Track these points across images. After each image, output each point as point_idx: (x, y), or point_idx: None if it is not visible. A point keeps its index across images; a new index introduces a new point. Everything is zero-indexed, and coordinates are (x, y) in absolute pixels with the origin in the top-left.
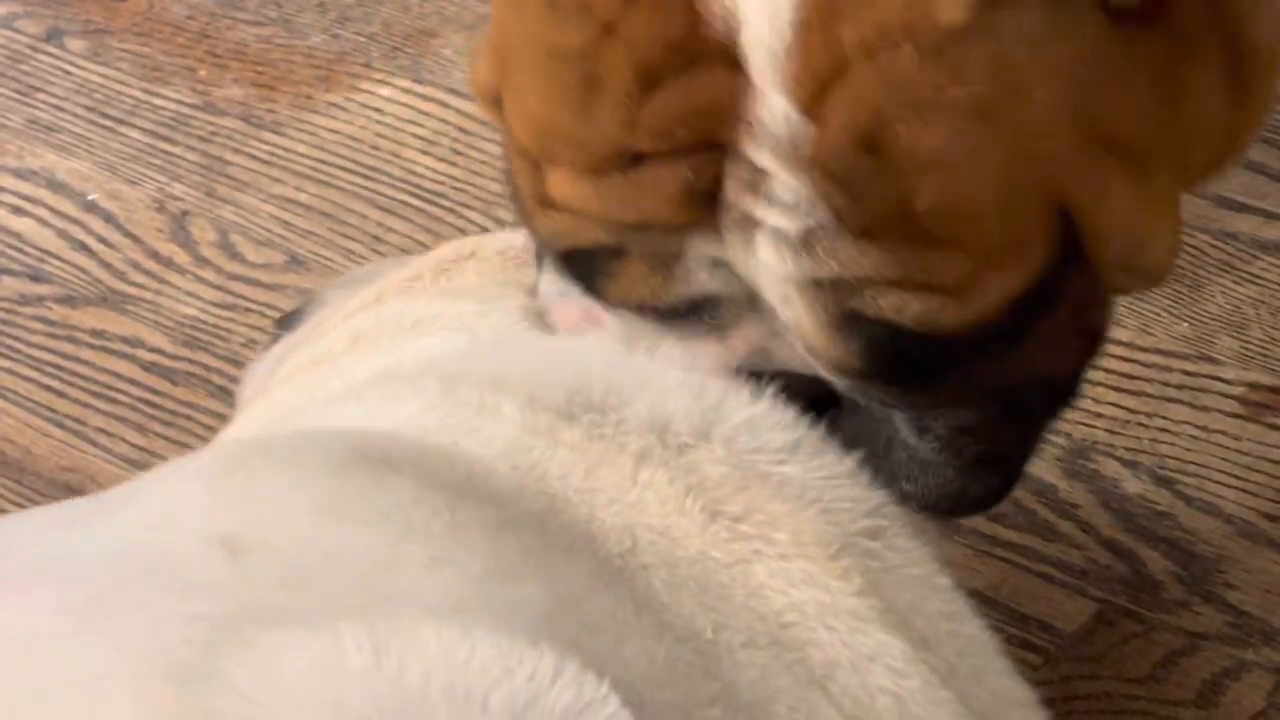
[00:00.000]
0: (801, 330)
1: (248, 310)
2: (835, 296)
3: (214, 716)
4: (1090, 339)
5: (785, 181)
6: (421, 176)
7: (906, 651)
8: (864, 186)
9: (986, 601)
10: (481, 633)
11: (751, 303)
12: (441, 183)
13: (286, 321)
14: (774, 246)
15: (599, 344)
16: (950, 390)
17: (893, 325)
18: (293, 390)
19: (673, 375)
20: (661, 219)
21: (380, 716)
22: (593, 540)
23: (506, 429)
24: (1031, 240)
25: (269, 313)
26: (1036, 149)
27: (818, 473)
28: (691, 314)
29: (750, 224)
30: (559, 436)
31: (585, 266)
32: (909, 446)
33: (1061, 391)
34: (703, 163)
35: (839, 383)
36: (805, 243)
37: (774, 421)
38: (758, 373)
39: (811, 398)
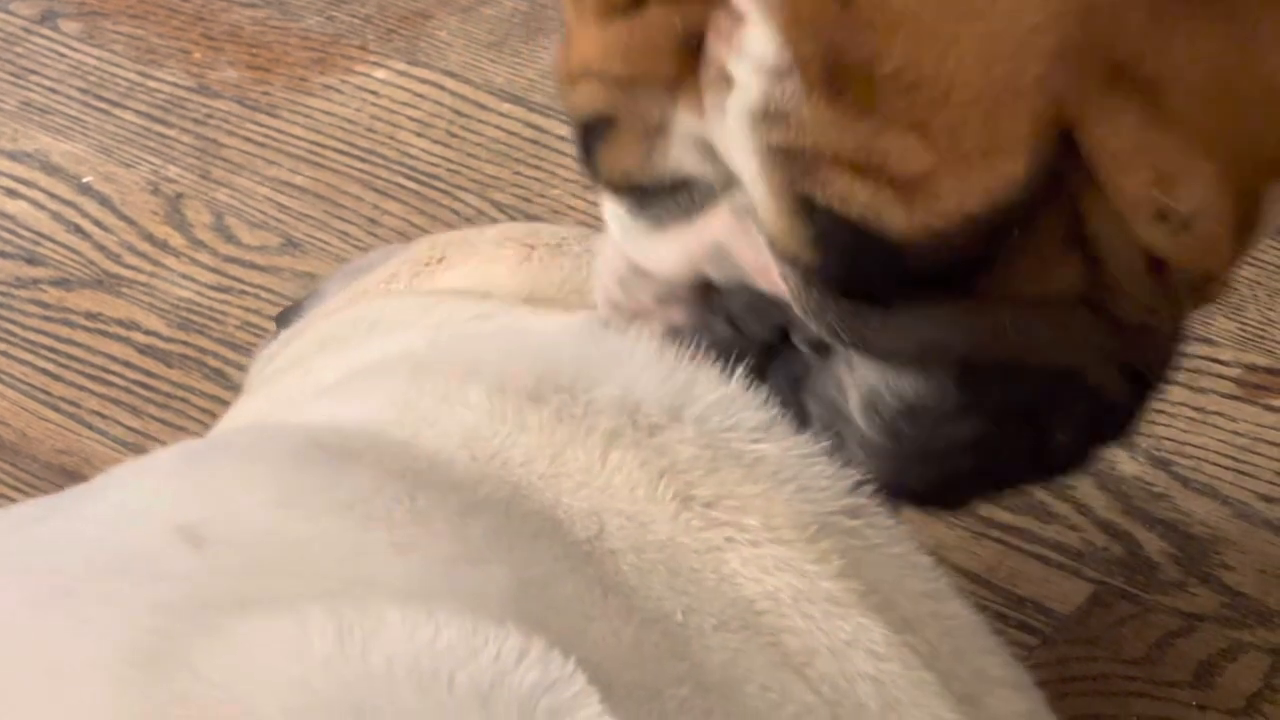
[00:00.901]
0: (762, 213)
1: (243, 293)
2: (792, 174)
3: (181, 702)
4: (1123, 333)
5: (758, 28)
6: (416, 159)
7: (887, 635)
8: (830, 37)
9: (983, 583)
10: (446, 614)
11: (726, 188)
12: (437, 165)
13: (285, 317)
14: (742, 107)
15: (568, 329)
16: (900, 331)
17: (839, 217)
18: (268, 394)
19: (643, 356)
20: (649, 72)
21: (346, 698)
22: (558, 526)
23: (467, 418)
24: (1008, 151)
25: (264, 295)
26: (1029, 43)
27: (794, 451)
28: (670, 198)
29: (726, 83)
30: (525, 420)
31: (590, 142)
32: (856, 426)
33: (1086, 395)
34: (691, 8)
35: (790, 290)
36: (768, 103)
37: (747, 400)
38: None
39: (747, 350)
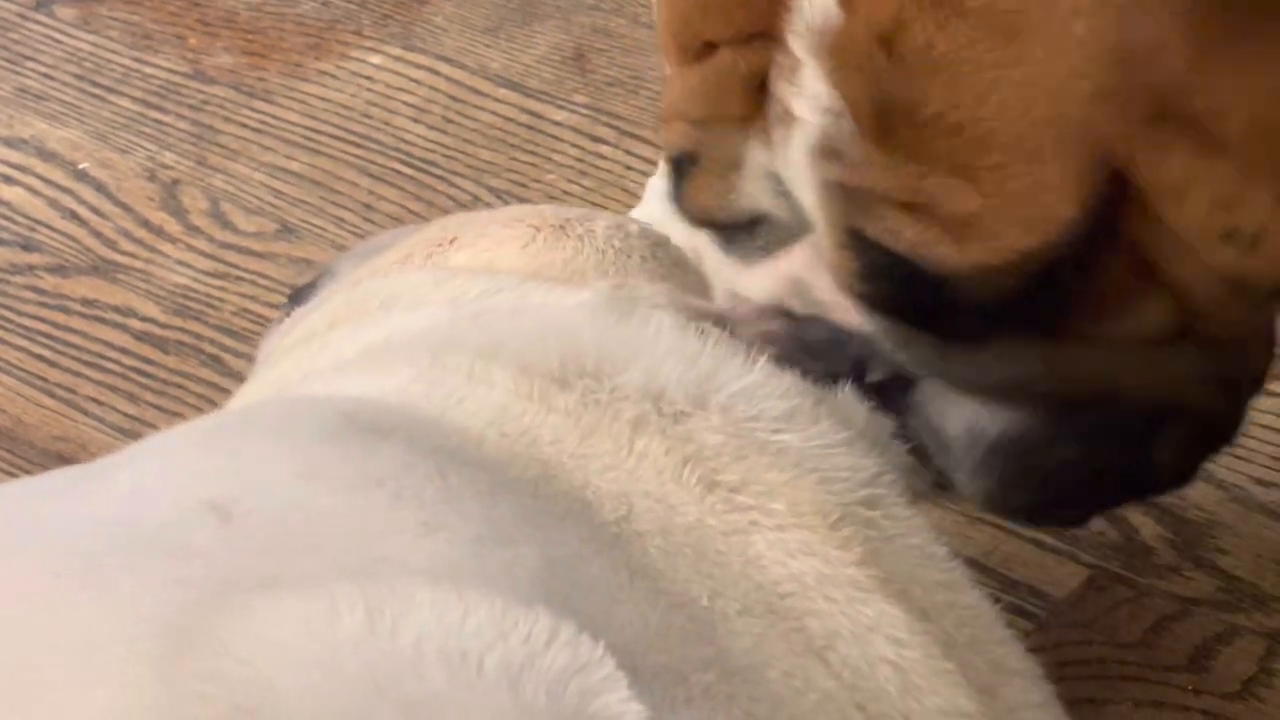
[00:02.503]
0: (823, 245)
1: (239, 279)
2: (847, 208)
3: (207, 679)
4: (1216, 352)
5: (813, 71)
6: (412, 144)
7: (908, 622)
8: (877, 81)
9: (978, 568)
10: (476, 595)
11: (803, 225)
12: (433, 151)
13: (298, 295)
14: (803, 144)
15: (588, 311)
16: (984, 368)
17: (887, 251)
18: (285, 366)
19: (665, 342)
20: (724, 112)
21: (374, 679)
22: (587, 507)
23: (495, 396)
24: (1057, 192)
25: (261, 281)
26: (1068, 87)
27: (815, 441)
28: (746, 233)
29: (790, 120)
30: (552, 402)
31: (679, 180)
32: (953, 454)
33: (1193, 414)
34: (756, 51)
35: (870, 323)
36: (825, 140)
37: (770, 389)
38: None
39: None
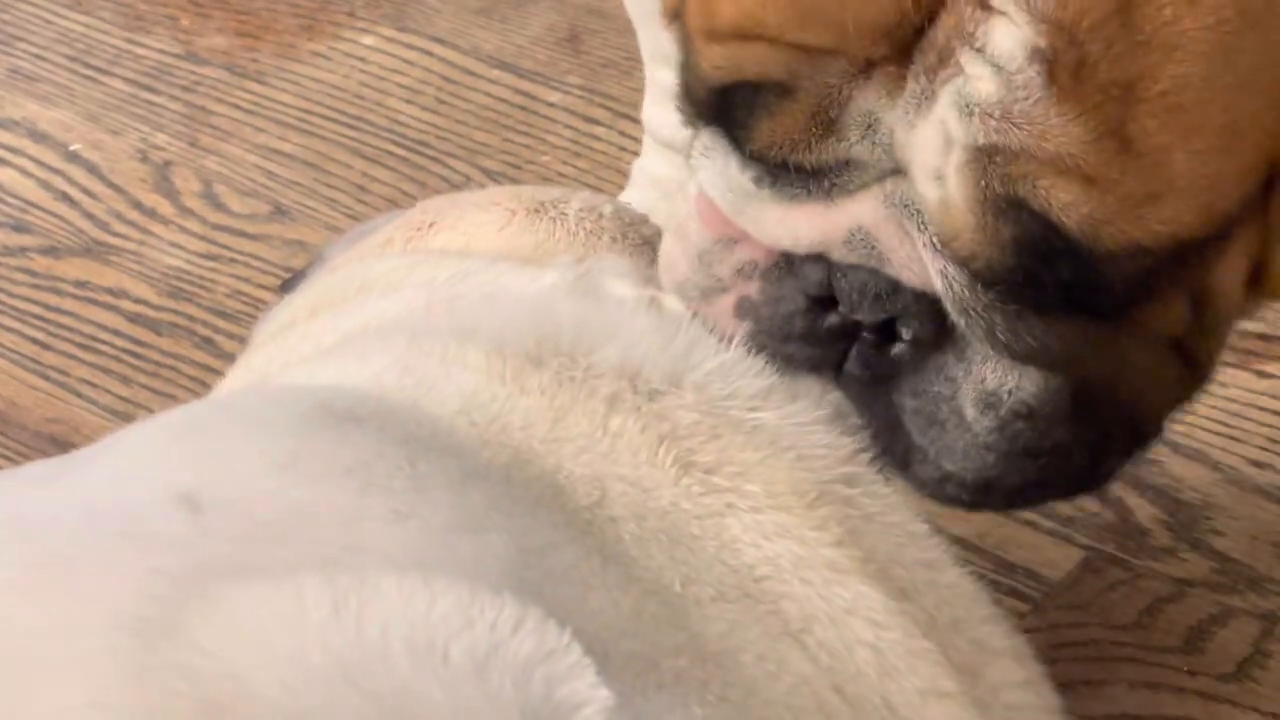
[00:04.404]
0: (948, 210)
1: (232, 260)
2: (1004, 175)
3: (175, 671)
4: (1188, 370)
5: (1014, 26)
6: (406, 126)
7: (886, 603)
8: (1102, 50)
9: (973, 550)
10: (442, 583)
11: (882, 175)
12: (426, 132)
13: (289, 283)
14: (958, 103)
15: (563, 291)
16: (1051, 341)
17: (1053, 226)
18: (266, 354)
19: (641, 322)
20: (858, 47)
21: (340, 669)
22: (560, 492)
23: (466, 382)
24: (1231, 185)
25: (253, 263)
26: (1276, 83)
27: (791, 419)
28: (812, 175)
29: (941, 74)
30: (525, 382)
31: (745, 103)
32: (965, 422)
33: (1140, 423)
34: None
35: (947, 287)
36: (1001, 102)
37: (745, 368)
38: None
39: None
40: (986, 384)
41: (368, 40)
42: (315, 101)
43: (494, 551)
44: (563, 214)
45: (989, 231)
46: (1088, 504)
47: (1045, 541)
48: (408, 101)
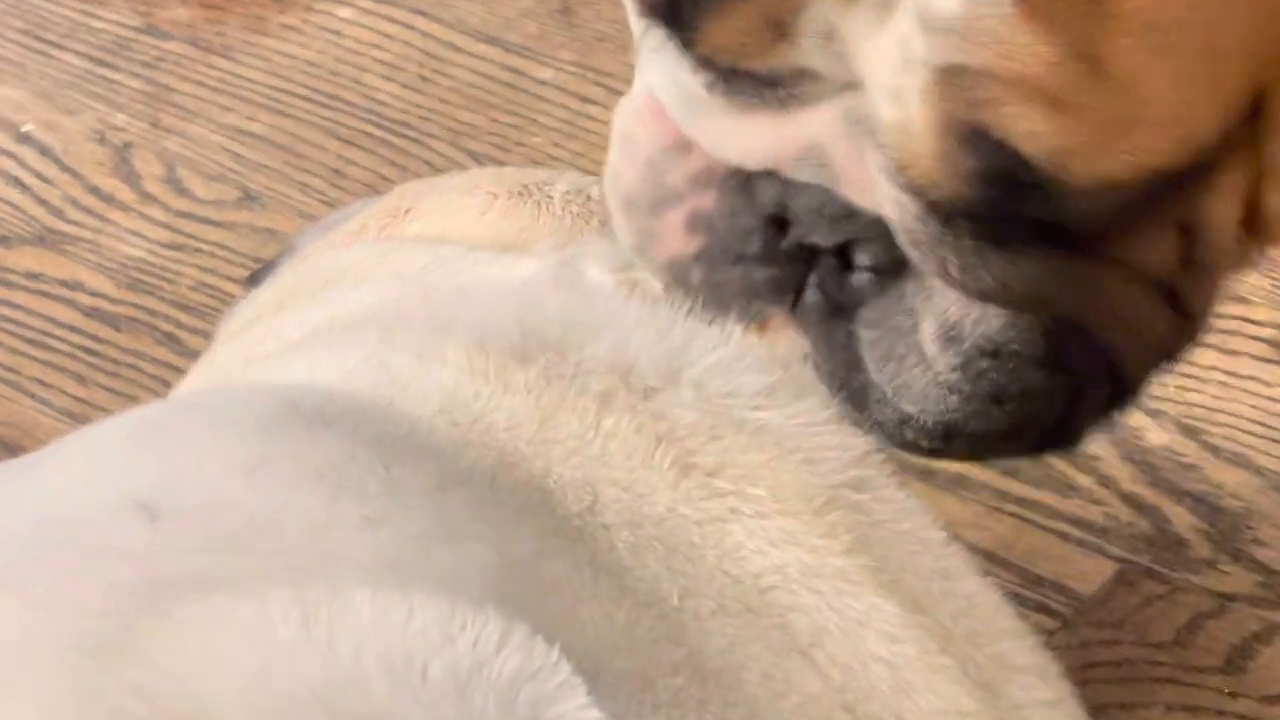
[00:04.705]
0: (906, 134)
1: (197, 250)
2: (967, 100)
3: (132, 692)
4: (1177, 320)
5: None
6: (385, 105)
7: (900, 615)
8: None
9: (998, 562)
10: (420, 596)
11: (840, 89)
12: (407, 112)
13: (257, 276)
14: (919, 16)
15: (547, 281)
16: (1012, 277)
17: (1017, 157)
18: (230, 351)
19: (634, 314)
20: None
21: (311, 690)
22: (548, 498)
23: (446, 379)
24: (1208, 111)
25: (220, 253)
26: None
27: (797, 419)
28: (767, 84)
29: None
30: (510, 380)
31: (685, 6)
32: (925, 358)
33: (1121, 373)
34: None
35: (900, 216)
36: (963, 17)
37: (748, 363)
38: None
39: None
40: (949, 315)
41: (344, 12)
42: (287, 79)
43: (476, 561)
44: (548, 197)
45: (949, 161)
46: (1121, 512)
47: (1075, 553)
48: (387, 79)
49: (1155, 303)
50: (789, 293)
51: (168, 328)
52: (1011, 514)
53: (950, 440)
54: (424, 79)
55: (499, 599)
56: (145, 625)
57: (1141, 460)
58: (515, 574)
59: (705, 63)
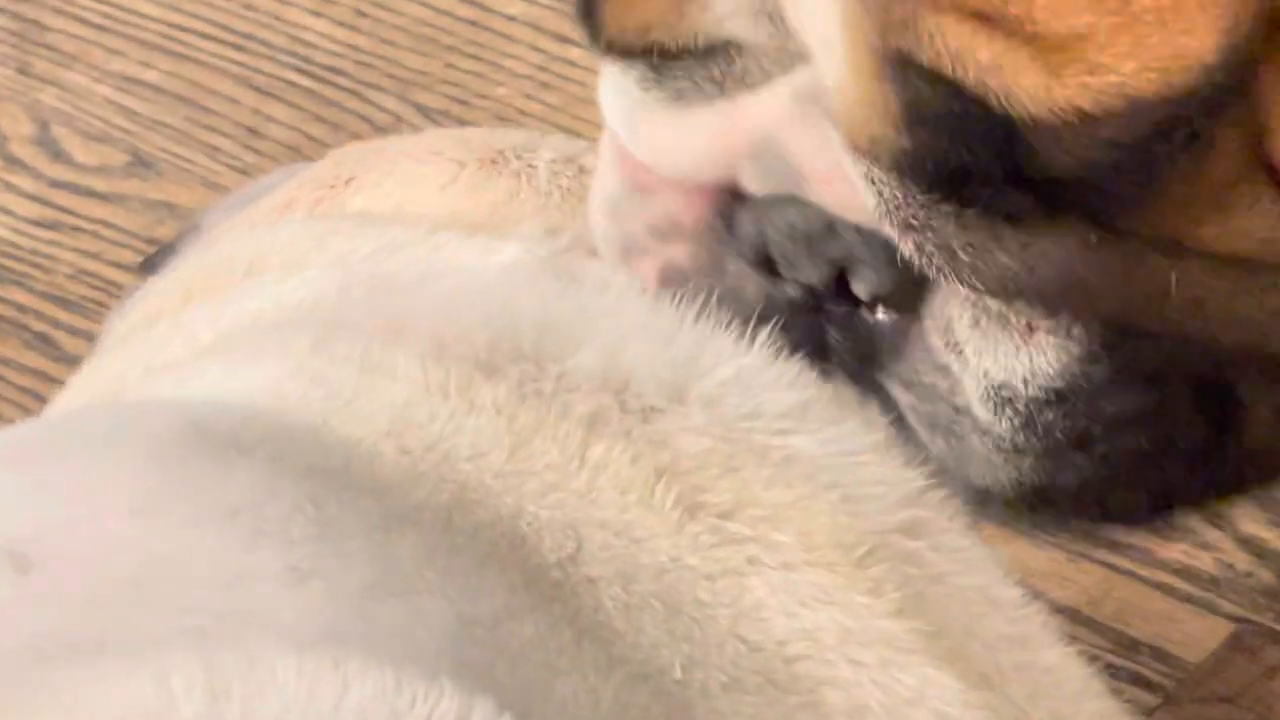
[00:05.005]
0: (837, 82)
1: (76, 229)
2: (885, 23)
3: None
4: None
5: None
6: (313, 47)
7: (962, 692)
8: None
9: (1084, 622)
10: (357, 665)
11: (784, 63)
12: (340, 56)
13: (152, 262)
14: None
15: (528, 273)
16: (1027, 261)
17: (946, 81)
18: (123, 357)
19: (629, 314)
20: None
21: None
22: (519, 544)
23: (395, 394)
24: (1199, 20)
25: (105, 233)
26: None
27: (835, 445)
28: (701, 66)
29: None
30: (476, 396)
31: None
32: (979, 424)
33: (1233, 385)
34: None
35: (876, 198)
36: None
37: (773, 377)
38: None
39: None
40: (991, 376)
41: None
42: (189, 14)
43: (427, 621)
44: (530, 166)
45: (880, 101)
46: (1237, 560)
47: (1180, 610)
48: (315, 14)
49: (1266, 294)
50: (811, 350)
51: (40, 326)
52: (1100, 562)
53: (1047, 505)
54: (362, 15)
55: (455, 668)
56: (14, 700)
57: (1261, 495)
58: (476, 636)
59: (623, 51)
